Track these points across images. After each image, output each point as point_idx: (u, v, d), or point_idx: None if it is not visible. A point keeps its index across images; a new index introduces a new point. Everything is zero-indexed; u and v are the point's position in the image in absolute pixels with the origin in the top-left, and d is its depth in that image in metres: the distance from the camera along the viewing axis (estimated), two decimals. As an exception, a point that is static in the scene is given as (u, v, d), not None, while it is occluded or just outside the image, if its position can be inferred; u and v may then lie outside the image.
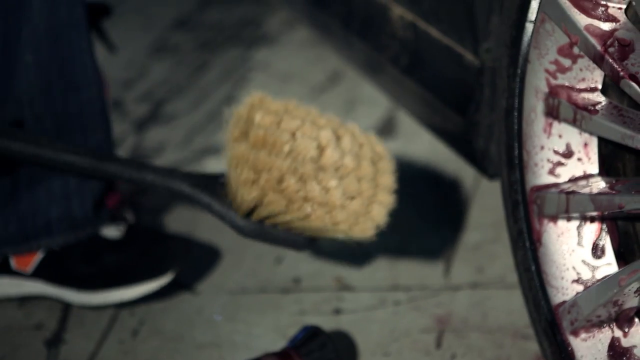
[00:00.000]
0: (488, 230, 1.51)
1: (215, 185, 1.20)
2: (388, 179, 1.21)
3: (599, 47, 1.00)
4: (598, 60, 1.00)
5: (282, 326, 1.33)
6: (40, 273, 1.38)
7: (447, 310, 1.35)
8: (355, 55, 1.60)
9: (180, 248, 1.43)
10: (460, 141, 1.31)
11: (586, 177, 1.08)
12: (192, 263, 1.45)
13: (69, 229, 1.36)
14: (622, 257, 1.07)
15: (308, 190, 1.15)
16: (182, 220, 1.58)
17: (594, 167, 1.08)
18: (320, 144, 1.17)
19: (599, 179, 1.07)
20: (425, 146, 1.76)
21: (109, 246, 1.39)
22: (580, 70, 1.05)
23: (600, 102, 1.04)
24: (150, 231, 1.46)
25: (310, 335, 1.20)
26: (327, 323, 1.33)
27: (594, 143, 1.08)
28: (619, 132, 1.00)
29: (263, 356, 1.18)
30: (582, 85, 1.05)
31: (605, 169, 1.08)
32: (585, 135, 1.07)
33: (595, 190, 1.06)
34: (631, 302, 1.01)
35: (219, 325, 1.35)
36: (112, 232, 1.39)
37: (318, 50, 2.10)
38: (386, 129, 1.85)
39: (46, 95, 1.29)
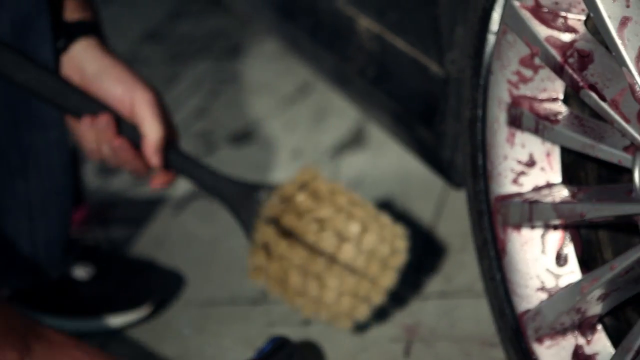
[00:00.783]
0: (456, 240, 1.52)
1: (251, 198, 1.25)
2: (388, 279, 1.26)
3: (559, 58, 1.01)
4: (558, 70, 1.01)
5: (251, 337, 1.34)
6: (15, 297, 1.37)
7: (416, 320, 1.35)
8: (323, 67, 1.60)
9: (157, 277, 1.43)
10: (427, 152, 1.32)
11: (549, 186, 1.09)
12: (163, 282, 1.44)
13: (32, 273, 1.34)
14: (585, 265, 1.08)
15: (306, 288, 1.24)
16: (151, 232, 1.58)
17: (556, 176, 1.09)
18: (343, 238, 1.24)
19: (561, 187, 1.08)
20: (394, 157, 1.77)
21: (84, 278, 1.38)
22: (542, 80, 1.06)
23: (561, 112, 1.05)
24: (127, 260, 1.45)
25: (278, 346, 1.21)
26: (296, 333, 1.33)
27: (556, 152, 1.09)
28: (580, 142, 1.01)
29: None
30: (543, 96, 1.07)
31: (568, 178, 1.09)
32: (548, 145, 1.09)
33: (557, 199, 1.07)
34: (594, 310, 1.02)
35: (187, 338, 1.35)
36: (80, 273, 1.38)
37: (288, 62, 2.11)
38: (355, 140, 1.86)
39: (13, 132, 1.27)
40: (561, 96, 1.06)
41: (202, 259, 1.51)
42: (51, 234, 1.32)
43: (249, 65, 2.17)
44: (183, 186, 1.72)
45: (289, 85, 2.07)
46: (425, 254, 1.50)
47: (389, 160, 1.77)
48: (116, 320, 1.35)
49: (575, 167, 1.08)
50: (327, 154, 1.80)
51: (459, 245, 1.50)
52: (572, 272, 1.07)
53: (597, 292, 1.00)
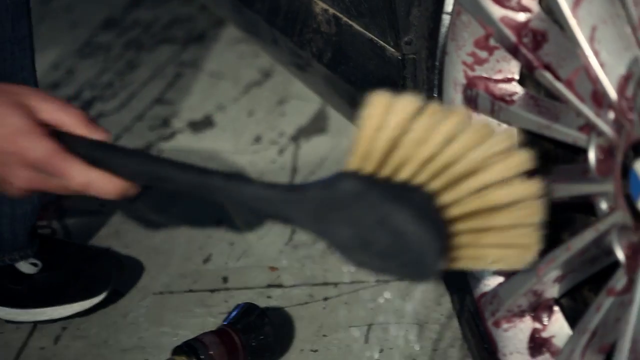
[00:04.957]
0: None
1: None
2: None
3: (513, 38, 1.00)
4: (513, 51, 1.00)
5: (210, 326, 1.32)
6: None
7: (376, 304, 1.35)
8: (281, 51, 1.59)
9: (112, 265, 1.41)
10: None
11: (505, 167, 1.08)
12: (119, 271, 1.42)
13: None
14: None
15: None
16: (109, 221, 1.56)
17: (513, 158, 1.08)
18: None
19: (518, 169, 1.07)
20: (355, 141, 1.75)
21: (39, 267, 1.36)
22: (497, 61, 1.05)
23: (516, 93, 1.04)
24: (81, 249, 1.43)
25: (245, 311, 1.20)
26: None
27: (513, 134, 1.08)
28: (535, 122, 1.01)
29: (201, 335, 1.17)
30: (499, 76, 1.06)
31: (525, 159, 1.08)
32: (504, 127, 1.08)
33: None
34: (550, 292, 1.02)
35: (144, 328, 1.33)
36: (25, 267, 1.35)
37: (249, 47, 2.09)
38: (318, 124, 1.85)
39: None
40: (516, 77, 1.05)
41: (160, 247, 1.50)
42: (16, 210, 1.29)
43: (209, 51, 2.15)
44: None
45: (251, 70, 2.05)
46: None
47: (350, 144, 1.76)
48: (67, 310, 1.33)
49: (531, 148, 1.07)
50: (288, 138, 1.79)
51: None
52: (529, 254, 1.06)
53: (554, 274, 0.99)
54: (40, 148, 0.89)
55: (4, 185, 0.93)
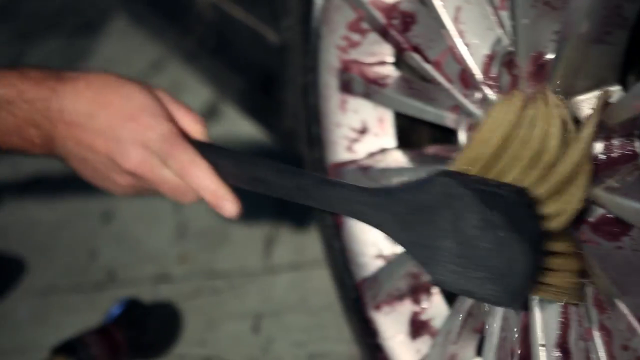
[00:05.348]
0: (309, 211, 1.50)
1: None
2: None
3: (383, 21, 0.99)
4: (383, 33, 1.00)
5: (94, 323, 1.29)
6: None
7: (266, 295, 1.33)
8: (168, 40, 1.56)
9: None
10: (270, 122, 1.29)
11: (383, 151, 1.07)
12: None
13: None
14: (421, 229, 1.07)
15: None
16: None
17: (390, 141, 1.08)
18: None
19: (395, 152, 1.07)
20: (249, 129, 1.74)
21: None
22: (370, 44, 1.04)
23: (389, 76, 1.04)
24: None
25: (128, 307, 1.19)
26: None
27: (389, 117, 1.07)
28: (408, 105, 1.00)
29: (83, 334, 1.16)
30: (372, 60, 1.05)
31: (403, 142, 1.08)
32: (380, 110, 1.07)
33: (391, 164, 1.05)
34: (428, 274, 1.02)
35: (26, 329, 1.29)
36: None
37: (141, 37, 2.05)
38: (211, 114, 1.82)
39: None
40: (390, 59, 1.05)
41: (45, 245, 1.46)
42: None
43: (100, 42, 2.10)
44: (25, 169, 1.65)
45: (143, 60, 2.01)
46: (277, 226, 1.47)
47: (244, 132, 1.74)
48: None
49: (408, 131, 1.07)
50: (179, 129, 1.76)
51: (311, 216, 1.49)
52: (408, 237, 1.06)
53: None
54: (161, 126, 0.90)
55: (108, 172, 0.91)
